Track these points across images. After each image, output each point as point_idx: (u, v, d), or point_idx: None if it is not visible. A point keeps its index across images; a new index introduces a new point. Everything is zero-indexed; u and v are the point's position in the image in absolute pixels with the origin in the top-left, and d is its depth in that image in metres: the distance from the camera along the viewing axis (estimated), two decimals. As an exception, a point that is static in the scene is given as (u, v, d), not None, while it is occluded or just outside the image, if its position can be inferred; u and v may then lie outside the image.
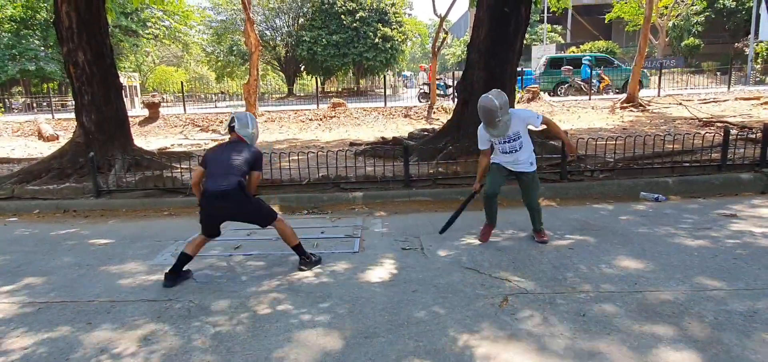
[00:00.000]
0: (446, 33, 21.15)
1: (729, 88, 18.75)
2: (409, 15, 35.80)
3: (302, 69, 35.55)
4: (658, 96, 17.47)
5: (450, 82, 21.34)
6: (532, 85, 19.23)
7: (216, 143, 10.35)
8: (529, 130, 4.46)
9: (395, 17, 31.84)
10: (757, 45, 26.69)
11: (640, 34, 16.05)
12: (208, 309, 3.43)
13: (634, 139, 7.49)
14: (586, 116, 14.72)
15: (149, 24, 32.76)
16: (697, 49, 32.04)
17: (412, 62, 62.15)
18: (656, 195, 6.10)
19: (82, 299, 3.69)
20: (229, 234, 5.26)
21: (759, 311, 3.06)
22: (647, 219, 5.17)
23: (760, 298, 3.23)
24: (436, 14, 18.59)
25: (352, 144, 11.12)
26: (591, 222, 5.15)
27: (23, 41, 27.89)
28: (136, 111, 21.55)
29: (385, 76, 23.77)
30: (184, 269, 3.95)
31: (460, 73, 8.62)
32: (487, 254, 4.30)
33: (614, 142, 7.54)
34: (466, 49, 9.53)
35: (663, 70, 20.94)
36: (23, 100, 27.90)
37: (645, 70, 21.05)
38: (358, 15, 30.25)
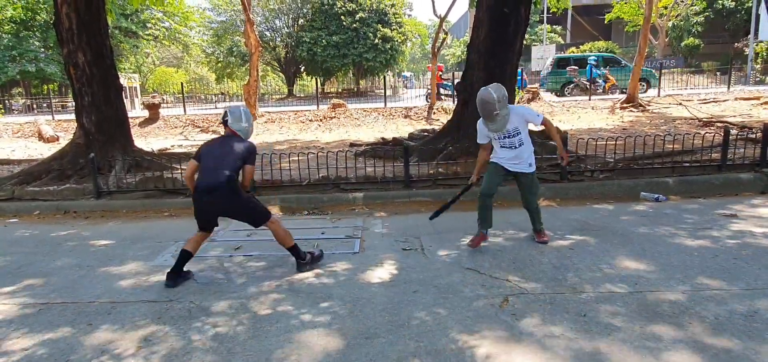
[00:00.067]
0: (446, 33, 21.17)
1: (729, 88, 18.76)
2: (409, 16, 35.84)
3: (302, 70, 35.56)
4: (658, 96, 17.48)
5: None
6: (530, 87, 19.23)
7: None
8: (529, 130, 4.44)
9: (395, 18, 31.85)
10: (756, 45, 26.69)
11: (640, 35, 16.04)
12: (209, 309, 3.43)
13: (634, 139, 7.49)
14: (586, 116, 14.72)
15: (149, 25, 32.78)
16: (696, 49, 32.05)
17: (412, 63, 62.20)
18: (656, 196, 6.10)
19: (83, 300, 3.69)
20: (230, 235, 5.26)
21: (760, 311, 3.06)
22: (647, 220, 5.17)
23: (761, 298, 3.23)
24: (436, 15, 18.61)
25: (352, 144, 11.12)
26: (591, 223, 5.15)
27: (23, 42, 27.91)
28: (136, 112, 21.55)
29: (385, 77, 23.79)
30: (184, 269, 3.95)
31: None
32: (487, 254, 4.30)
33: (614, 143, 7.54)
34: (465, 49, 9.54)
35: (663, 71, 20.94)
36: (23, 101, 27.90)
37: (653, 70, 21.02)
38: (357, 16, 30.27)
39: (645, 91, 19.10)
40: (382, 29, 30.64)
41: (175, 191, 7.06)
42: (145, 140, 14.43)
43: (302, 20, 32.29)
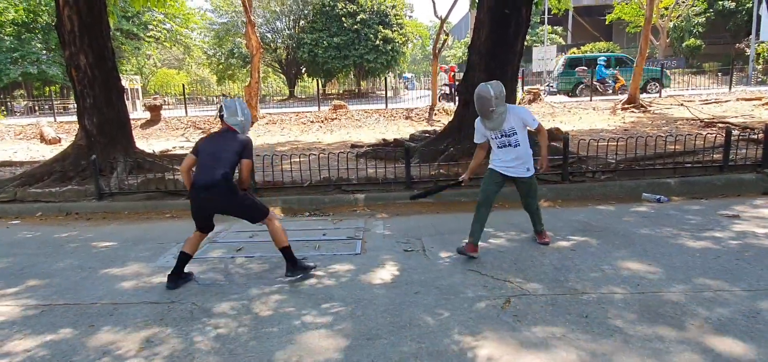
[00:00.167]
0: (447, 35, 21.17)
1: (730, 88, 18.74)
2: (410, 17, 35.79)
3: (303, 71, 35.57)
4: (660, 97, 17.47)
5: None
6: (531, 88, 19.18)
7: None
8: (529, 132, 4.41)
9: (396, 19, 31.86)
10: (758, 45, 26.65)
11: (641, 36, 16.02)
12: (211, 311, 3.43)
13: (635, 140, 7.49)
14: (587, 117, 14.71)
15: (151, 27, 32.85)
16: (698, 50, 32.02)
17: (413, 64, 62.19)
18: (658, 196, 6.10)
19: (85, 301, 3.70)
20: (231, 236, 5.27)
21: (762, 312, 3.05)
22: (649, 221, 5.16)
23: (763, 299, 3.23)
24: (437, 16, 18.62)
25: (353, 146, 11.13)
26: (593, 224, 5.14)
27: (25, 44, 27.98)
28: (137, 114, 21.58)
29: (386, 78, 23.81)
30: (185, 271, 3.95)
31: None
32: (489, 256, 4.29)
33: (616, 143, 7.54)
34: (466, 50, 9.54)
35: (664, 71, 20.87)
36: (25, 103, 27.96)
37: (666, 71, 20.92)
38: (358, 17, 30.28)
39: (658, 92, 19.04)
40: (383, 31, 30.65)
41: (176, 193, 7.07)
42: (147, 142, 14.45)
43: (303, 22, 32.32)
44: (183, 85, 21.69)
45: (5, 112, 22.58)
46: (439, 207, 6.28)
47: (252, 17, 16.95)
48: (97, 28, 8.29)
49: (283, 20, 33.13)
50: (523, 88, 19.16)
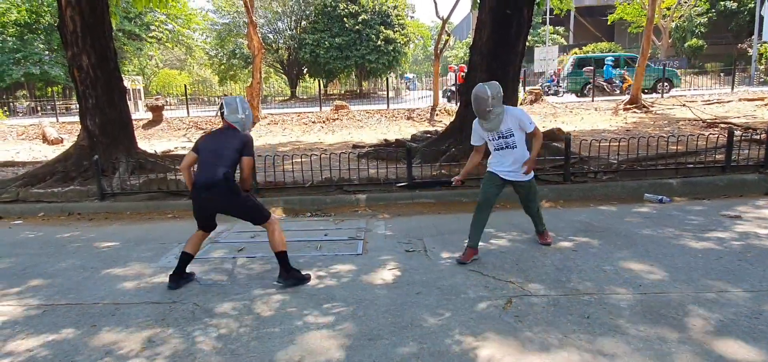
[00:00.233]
0: (448, 35, 21.19)
1: (733, 88, 18.71)
2: (412, 17, 35.82)
3: (305, 72, 35.60)
4: (662, 97, 17.44)
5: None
6: (532, 88, 19.13)
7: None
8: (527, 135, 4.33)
9: (397, 20, 31.87)
10: (760, 46, 26.60)
11: (643, 36, 15.99)
12: (212, 311, 3.43)
13: (637, 141, 7.47)
14: (589, 118, 14.70)
15: (153, 27, 32.92)
16: (700, 50, 31.97)
17: (415, 65, 62.19)
18: (660, 197, 6.09)
19: (87, 301, 3.70)
20: (233, 236, 5.28)
21: (764, 313, 3.04)
22: (651, 221, 5.15)
23: (766, 300, 3.22)
24: (439, 16, 18.64)
25: (355, 146, 11.13)
26: (595, 224, 5.14)
27: (28, 45, 28.06)
28: (139, 114, 21.62)
29: (387, 79, 23.81)
30: (187, 271, 3.95)
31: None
32: (490, 256, 4.29)
33: (618, 144, 7.53)
34: (468, 51, 9.53)
35: (674, 71, 20.82)
36: (28, 103, 28.04)
37: (676, 70, 20.83)
38: (360, 18, 30.30)
39: (668, 91, 18.96)
40: (384, 31, 30.67)
41: (178, 193, 7.08)
42: (149, 142, 14.47)
43: (305, 22, 32.35)
44: (185, 86, 21.73)
45: (8, 113, 22.64)
46: (441, 208, 6.28)
47: (254, 18, 16.96)
48: (99, 29, 8.31)
49: (285, 21, 33.17)
50: (524, 89, 19.13)
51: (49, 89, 29.93)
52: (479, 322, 3.10)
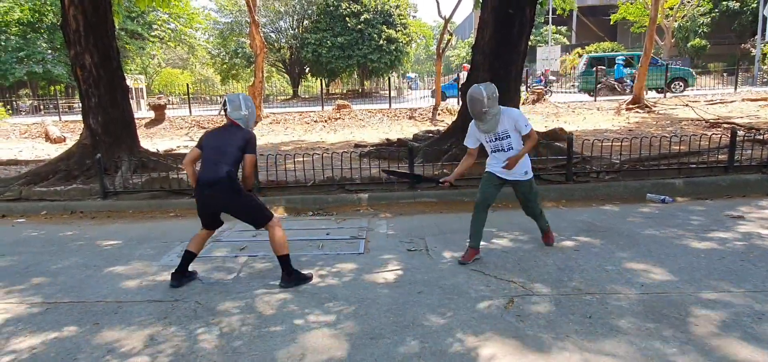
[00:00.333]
0: (451, 35, 21.17)
1: (736, 89, 18.65)
2: (414, 17, 35.81)
3: (307, 71, 35.64)
4: (664, 97, 17.40)
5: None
6: (534, 88, 19.06)
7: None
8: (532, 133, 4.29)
9: (400, 19, 31.87)
10: (763, 46, 26.51)
11: (646, 36, 15.95)
12: (214, 309, 3.44)
13: (640, 141, 7.46)
14: (591, 117, 14.67)
15: (155, 27, 32.97)
16: (703, 50, 31.90)
17: (417, 64, 62.18)
18: (663, 197, 6.07)
19: (89, 299, 3.71)
20: (235, 235, 5.28)
21: (767, 313, 3.04)
22: (654, 221, 5.14)
23: (768, 300, 3.21)
24: (441, 16, 18.64)
25: (356, 145, 11.14)
26: (597, 224, 5.13)
27: (31, 44, 28.14)
28: (142, 113, 21.66)
29: (389, 78, 23.81)
30: (189, 269, 3.96)
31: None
32: (492, 256, 4.29)
33: (620, 144, 7.51)
34: (470, 50, 9.52)
35: (689, 69, 20.70)
36: (30, 102, 28.11)
37: (691, 69, 20.70)
38: (362, 17, 30.30)
39: (682, 90, 18.84)
40: (386, 30, 30.66)
41: (180, 191, 7.10)
42: (151, 141, 14.50)
43: (307, 21, 32.37)
44: (187, 85, 21.79)
45: (11, 111, 22.70)
46: (443, 207, 6.28)
47: (256, 17, 16.97)
48: (102, 28, 8.33)
49: (287, 20, 33.20)
50: (527, 89, 19.10)
51: (52, 88, 30.01)
52: (481, 322, 3.10)
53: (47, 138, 15.72)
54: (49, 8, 28.27)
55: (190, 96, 20.21)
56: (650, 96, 17.58)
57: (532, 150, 4.16)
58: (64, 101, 25.32)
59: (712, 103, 15.49)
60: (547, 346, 2.78)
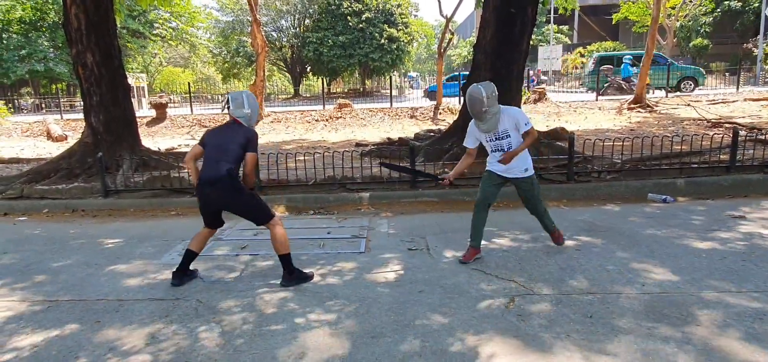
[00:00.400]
0: (452, 34, 21.15)
1: (738, 88, 18.61)
2: (415, 16, 35.83)
3: (308, 70, 35.66)
4: (666, 97, 17.36)
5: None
6: (536, 87, 18.98)
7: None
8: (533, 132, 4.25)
9: (401, 18, 31.87)
10: (765, 45, 26.45)
11: (648, 35, 15.92)
12: (215, 308, 3.44)
13: (641, 140, 7.45)
14: (593, 117, 14.65)
15: (156, 25, 33.01)
16: (705, 50, 31.84)
17: (418, 63, 62.17)
18: (664, 197, 6.06)
19: (91, 298, 3.72)
20: (236, 234, 5.29)
21: (768, 313, 3.03)
22: (655, 221, 5.14)
23: (770, 300, 3.20)
24: (442, 15, 18.63)
25: (358, 144, 11.14)
26: (598, 224, 5.12)
27: (32, 42, 28.18)
28: (143, 111, 21.69)
29: (391, 77, 23.81)
30: (190, 268, 3.96)
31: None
32: (493, 255, 4.29)
33: (622, 143, 7.50)
34: (472, 50, 9.52)
35: (699, 69, 20.58)
36: (32, 100, 28.17)
37: (701, 69, 20.58)
38: (364, 16, 30.30)
39: (692, 90, 18.74)
40: (388, 29, 30.66)
41: (182, 190, 7.10)
42: (153, 139, 14.51)
43: (308, 20, 32.38)
44: (188, 84, 21.79)
45: (13, 110, 22.73)
46: (444, 206, 6.28)
47: (257, 16, 16.98)
48: (103, 27, 8.33)
49: (289, 19, 33.21)
50: (529, 88, 19.07)
51: (54, 86, 30.07)
52: (482, 321, 3.10)
53: (49, 136, 15.74)
54: (51, 6, 28.32)
55: (192, 94, 20.23)
56: (659, 95, 17.47)
57: (531, 147, 4.14)
58: (65, 99, 25.35)
59: (714, 102, 15.46)
60: (548, 346, 2.78)
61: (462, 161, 4.29)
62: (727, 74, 23.03)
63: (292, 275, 3.80)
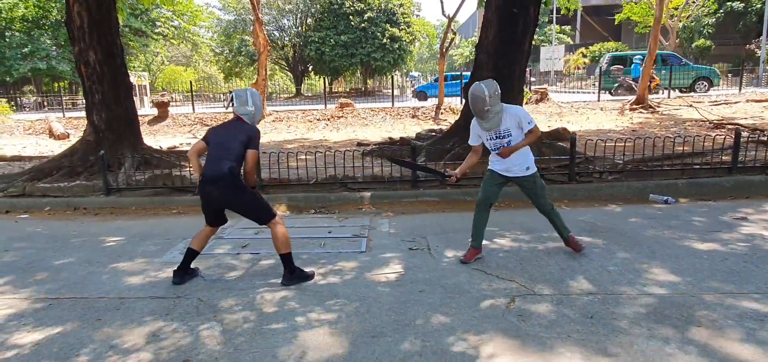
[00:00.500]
0: (454, 34, 21.13)
1: (740, 89, 18.56)
2: (417, 15, 35.79)
3: (310, 69, 35.68)
4: (668, 97, 17.34)
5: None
6: (538, 87, 18.93)
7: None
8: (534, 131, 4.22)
9: (403, 18, 31.86)
10: (769, 46, 26.42)
11: (650, 36, 15.89)
12: (216, 306, 3.45)
13: (643, 141, 7.44)
14: (594, 117, 14.64)
15: (158, 24, 33.04)
16: (708, 51, 31.78)
17: (420, 63, 62.15)
18: (666, 198, 6.05)
19: (92, 295, 3.73)
20: (237, 233, 5.29)
21: (770, 315, 3.03)
22: (656, 222, 5.13)
23: (771, 302, 3.20)
24: (445, 15, 18.59)
25: (359, 144, 11.14)
26: (599, 224, 5.12)
27: (35, 40, 28.23)
28: (145, 110, 21.72)
29: (392, 77, 23.80)
30: (191, 266, 3.97)
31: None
32: (494, 255, 4.29)
33: (623, 144, 7.49)
34: (474, 50, 9.51)
35: (714, 69, 20.50)
36: (35, 98, 28.24)
37: (716, 69, 20.49)
38: (366, 15, 30.31)
39: (706, 90, 18.63)
40: (390, 29, 30.66)
41: (183, 189, 7.11)
42: (154, 138, 14.54)
43: (310, 20, 32.40)
44: (190, 82, 21.81)
45: (15, 108, 22.79)
46: (445, 206, 6.28)
47: (260, 15, 16.98)
48: (106, 25, 8.35)
49: (291, 18, 33.24)
50: (531, 88, 19.06)
51: (56, 84, 30.09)
52: (482, 321, 3.09)
53: (51, 134, 15.78)
54: (54, 5, 28.37)
55: (194, 93, 20.24)
56: (673, 95, 17.39)
57: (533, 147, 4.12)
58: (67, 98, 25.42)
59: (716, 103, 15.43)
60: (549, 346, 2.77)
61: (468, 159, 4.28)
62: (729, 75, 22.99)
63: (293, 274, 3.80)
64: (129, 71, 9.93)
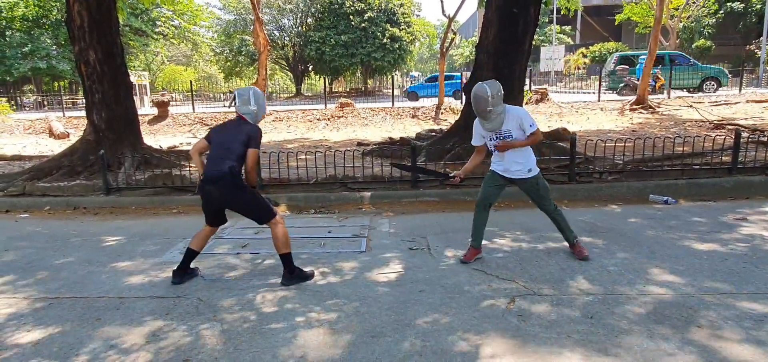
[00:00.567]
0: (454, 34, 21.13)
1: (740, 90, 18.56)
2: (418, 15, 35.80)
3: (310, 69, 35.68)
4: (668, 98, 17.33)
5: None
6: (538, 88, 18.91)
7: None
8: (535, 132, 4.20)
9: (403, 17, 31.87)
10: (769, 47, 26.41)
11: (651, 36, 15.89)
12: (216, 306, 3.45)
13: (643, 141, 7.44)
14: (594, 118, 14.64)
15: (159, 23, 33.03)
16: (708, 51, 31.78)
17: (420, 63, 62.15)
18: (666, 198, 6.06)
19: (92, 295, 3.73)
20: (237, 232, 5.29)
21: (769, 315, 3.03)
22: (656, 222, 5.13)
23: (771, 303, 3.20)
24: (445, 15, 18.58)
25: (359, 144, 11.14)
26: (599, 225, 5.12)
27: (35, 40, 28.23)
28: (145, 109, 21.73)
29: (393, 77, 23.80)
30: (191, 266, 3.96)
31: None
32: (494, 255, 4.29)
33: (623, 144, 7.49)
34: (474, 50, 9.51)
35: (723, 69, 20.47)
36: (35, 98, 28.23)
37: (725, 69, 20.45)
38: (366, 15, 30.31)
39: (715, 90, 18.59)
40: (390, 29, 30.67)
41: (183, 188, 7.11)
42: (154, 137, 14.54)
43: (311, 19, 32.41)
44: (191, 82, 21.80)
45: (15, 107, 22.79)
46: (445, 206, 6.28)
47: (260, 14, 16.98)
48: (106, 24, 8.35)
49: (291, 17, 33.24)
50: (531, 88, 19.06)
51: (56, 84, 30.09)
52: (482, 321, 3.09)
53: (51, 134, 15.77)
54: (54, 4, 28.38)
55: (194, 93, 20.24)
56: (683, 95, 17.33)
57: (533, 147, 4.11)
58: (67, 97, 25.42)
59: (717, 104, 15.43)
60: (549, 346, 2.77)
61: (472, 159, 4.27)
62: (729, 75, 22.98)
63: (293, 274, 3.79)
64: (129, 71, 9.92)
